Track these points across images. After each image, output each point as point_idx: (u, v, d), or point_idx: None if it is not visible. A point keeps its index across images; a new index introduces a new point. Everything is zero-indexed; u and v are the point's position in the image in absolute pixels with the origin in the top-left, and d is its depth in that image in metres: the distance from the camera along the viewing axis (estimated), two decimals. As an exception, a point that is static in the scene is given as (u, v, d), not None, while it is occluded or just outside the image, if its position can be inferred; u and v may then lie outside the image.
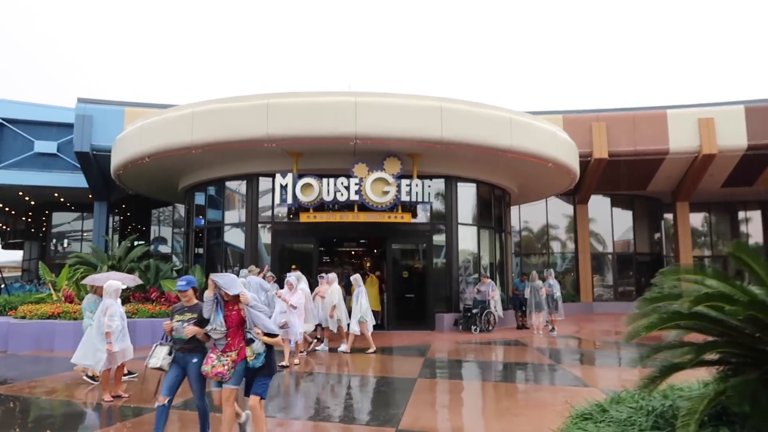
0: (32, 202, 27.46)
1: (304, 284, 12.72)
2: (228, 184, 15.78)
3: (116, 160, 15.62)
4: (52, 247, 29.20)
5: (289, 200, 13.67)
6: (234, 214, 15.76)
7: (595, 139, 21.51)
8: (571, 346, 13.39)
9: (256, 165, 14.76)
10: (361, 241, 18.47)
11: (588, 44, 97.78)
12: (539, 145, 14.84)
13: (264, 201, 15.08)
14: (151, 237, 27.18)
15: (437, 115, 13.29)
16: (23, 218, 30.44)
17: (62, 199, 26.71)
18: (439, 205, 15.60)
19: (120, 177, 16.73)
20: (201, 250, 16.70)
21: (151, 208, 26.65)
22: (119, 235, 26.58)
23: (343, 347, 11.70)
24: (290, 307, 9.86)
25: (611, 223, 26.50)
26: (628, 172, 23.61)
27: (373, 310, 16.15)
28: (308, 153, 14.20)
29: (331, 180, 13.68)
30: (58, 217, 28.92)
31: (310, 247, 15.31)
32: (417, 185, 13.95)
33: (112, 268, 17.25)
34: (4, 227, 32.48)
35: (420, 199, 13.97)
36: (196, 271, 15.57)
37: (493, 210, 17.13)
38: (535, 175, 16.63)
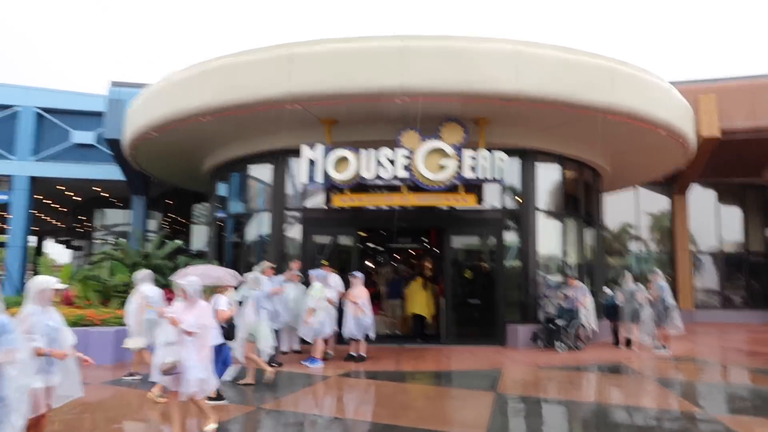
0: (77, 198, 25.93)
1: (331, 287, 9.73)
2: (251, 165, 12.84)
3: (126, 137, 13.05)
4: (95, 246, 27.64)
5: (319, 178, 10.53)
6: (259, 201, 12.81)
7: (702, 115, 16.91)
8: (704, 374, 9.52)
9: (282, 139, 11.74)
10: (414, 233, 15.13)
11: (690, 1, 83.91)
12: (649, 104, 10.98)
13: (292, 184, 12.02)
14: (192, 234, 24.96)
15: (512, 63, 9.76)
16: (71, 215, 29.14)
17: (105, 194, 24.99)
18: (512, 187, 12.02)
19: (136, 159, 14.19)
20: (232, 242, 13.86)
21: (192, 202, 24.41)
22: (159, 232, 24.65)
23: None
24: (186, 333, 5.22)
25: (717, 217, 21.86)
26: (741, 156, 18.99)
27: (423, 318, 13.12)
28: (344, 120, 11.03)
29: (372, 152, 10.42)
30: (102, 214, 27.33)
31: (349, 241, 12.11)
32: (485, 158, 10.45)
33: (135, 266, 14.95)
34: (58, 224, 31.44)
35: (488, 176, 10.46)
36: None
37: (581, 195, 13.33)
38: (638, 147, 12.71)
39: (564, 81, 10.02)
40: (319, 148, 10.56)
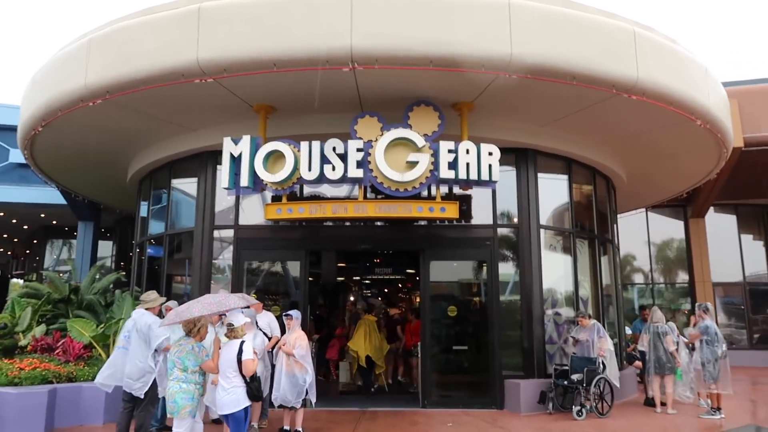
0: (24, 226, 22.92)
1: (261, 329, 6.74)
2: (174, 172, 9.94)
3: (18, 138, 10.11)
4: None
5: (245, 181, 7.57)
6: (183, 218, 9.84)
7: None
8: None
9: (206, 136, 8.90)
10: (389, 259, 12.20)
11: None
12: (683, 83, 8.15)
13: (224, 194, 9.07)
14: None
15: (504, 17, 6.95)
16: (22, 246, 26.10)
17: (54, 222, 22.01)
18: (506, 194, 9.09)
19: (42, 169, 11.19)
20: (149, 271, 10.80)
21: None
22: (115, 265, 21.58)
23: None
24: None
25: (736, 244, 18.89)
26: (765, 171, 16.17)
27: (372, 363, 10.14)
28: (284, 107, 8.17)
29: (316, 145, 7.51)
30: (54, 244, 24.25)
31: (295, 266, 9.09)
32: (469, 151, 7.53)
33: (60, 301, 11.96)
34: (11, 255, 28.33)
35: (474, 177, 7.52)
36: (124, 302, 9.70)
37: (594, 208, 10.38)
38: (663, 146, 9.83)
39: (575, 45, 7.20)
40: (245, 141, 7.64)
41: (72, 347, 8.81)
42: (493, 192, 8.78)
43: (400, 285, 15.93)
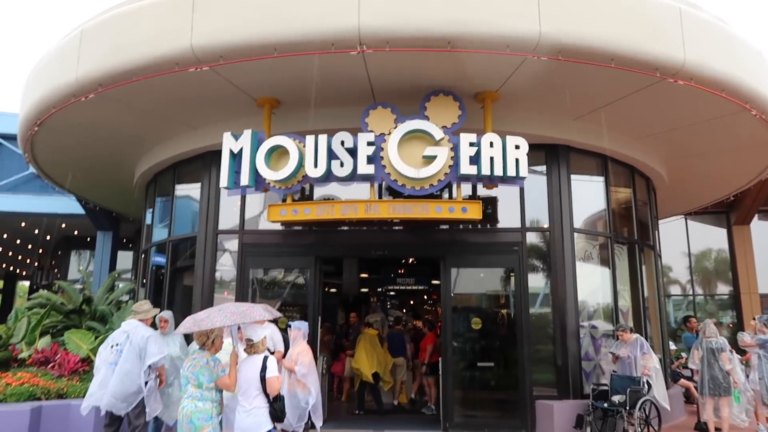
0: (47, 236, 22.77)
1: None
2: (178, 173, 9.33)
3: (18, 139, 9.64)
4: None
5: (246, 180, 6.85)
6: (187, 223, 9.18)
7: None
8: None
9: (209, 134, 8.24)
10: (412, 267, 11.37)
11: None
12: (737, 69, 7.15)
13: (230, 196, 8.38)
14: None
15: (529, -6, 6.11)
16: (48, 257, 26.06)
17: (75, 232, 21.79)
18: (536, 196, 8.17)
19: (41, 169, 10.68)
20: (155, 279, 10.18)
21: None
22: (135, 276, 21.26)
23: None
24: None
25: (781, 252, 17.47)
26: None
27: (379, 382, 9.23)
28: (289, 100, 7.47)
29: (323, 138, 6.76)
30: (79, 255, 24.08)
31: (305, 274, 8.32)
32: (493, 144, 6.67)
33: (71, 312, 11.48)
34: (37, 266, 28.36)
35: (499, 173, 6.65)
36: (126, 313, 9.08)
37: (634, 210, 9.36)
38: (709, 141, 8.79)
39: (613, 22, 6.32)
40: (246, 136, 6.94)
41: (67, 361, 8.20)
42: (521, 191, 7.89)
43: (425, 296, 15.11)
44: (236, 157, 6.95)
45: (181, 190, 9.28)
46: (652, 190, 10.20)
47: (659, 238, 10.64)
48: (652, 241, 9.98)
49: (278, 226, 8.27)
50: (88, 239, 22.59)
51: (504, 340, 8.09)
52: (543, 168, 8.31)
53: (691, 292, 17.91)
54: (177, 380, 6.30)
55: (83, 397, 7.20)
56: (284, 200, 7.33)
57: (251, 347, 4.80)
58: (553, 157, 8.26)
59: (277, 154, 6.90)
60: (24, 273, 31.32)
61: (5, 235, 21.82)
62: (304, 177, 6.82)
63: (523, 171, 6.69)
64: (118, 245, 20.18)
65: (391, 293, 15.08)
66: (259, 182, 6.95)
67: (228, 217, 8.55)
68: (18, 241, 23.16)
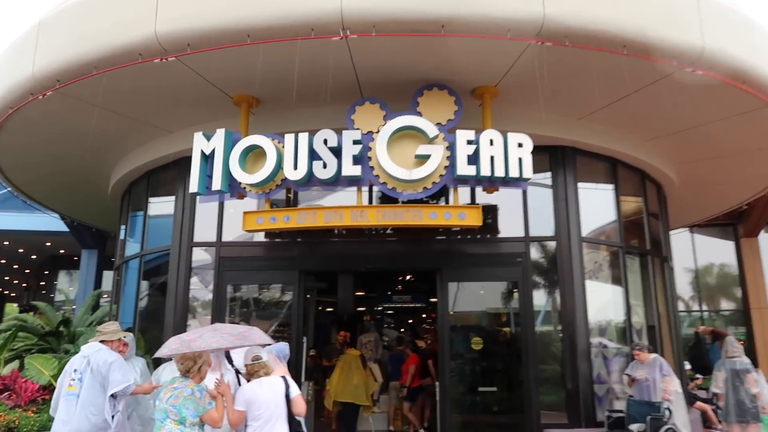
0: (32, 256, 21.95)
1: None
2: (152, 181, 8.57)
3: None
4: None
5: (218, 184, 6.09)
6: (162, 235, 8.39)
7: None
8: None
9: (183, 137, 7.48)
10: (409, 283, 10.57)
11: None
12: (761, 59, 6.47)
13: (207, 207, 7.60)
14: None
15: (532, -31, 5.44)
16: (34, 277, 25.18)
17: (61, 251, 20.97)
18: (540, 204, 7.41)
19: (7, 178, 9.89)
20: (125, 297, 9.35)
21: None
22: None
23: None
24: None
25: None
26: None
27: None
28: (269, 97, 6.76)
29: (303, 137, 6.02)
30: (66, 275, 23.25)
31: (288, 290, 7.52)
32: (493, 142, 5.94)
33: (48, 334, 10.69)
34: (25, 287, 27.47)
35: (501, 173, 5.90)
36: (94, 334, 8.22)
37: (646, 219, 8.60)
38: (728, 141, 8.06)
39: (626, 4, 5.64)
40: (219, 135, 6.20)
41: (25, 389, 7.35)
42: (524, 197, 7.15)
43: (424, 315, 14.31)
44: (208, 159, 6.21)
45: (155, 200, 8.51)
46: (664, 198, 9.46)
47: (671, 249, 9.87)
48: (666, 251, 9.20)
49: (261, 237, 7.51)
50: (75, 258, 21.76)
51: (507, 361, 7.27)
52: (548, 174, 7.57)
53: (697, 308, 17.10)
54: (135, 412, 5.47)
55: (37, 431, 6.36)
56: (271, 207, 6.55)
57: (259, 368, 4.11)
58: (558, 159, 7.53)
59: (254, 155, 6.16)
60: (12, 294, 30.39)
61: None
62: (283, 180, 6.07)
63: (527, 171, 5.94)
64: (104, 264, 19.27)
65: (389, 311, 14.32)
66: (233, 187, 6.19)
67: (205, 229, 7.78)
68: (2, 261, 22.30)
